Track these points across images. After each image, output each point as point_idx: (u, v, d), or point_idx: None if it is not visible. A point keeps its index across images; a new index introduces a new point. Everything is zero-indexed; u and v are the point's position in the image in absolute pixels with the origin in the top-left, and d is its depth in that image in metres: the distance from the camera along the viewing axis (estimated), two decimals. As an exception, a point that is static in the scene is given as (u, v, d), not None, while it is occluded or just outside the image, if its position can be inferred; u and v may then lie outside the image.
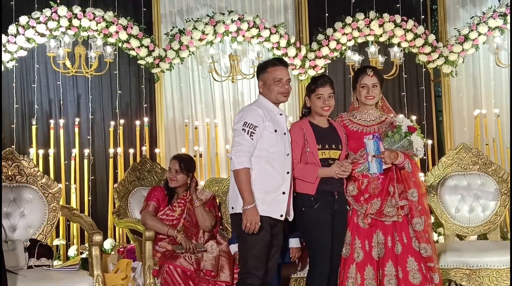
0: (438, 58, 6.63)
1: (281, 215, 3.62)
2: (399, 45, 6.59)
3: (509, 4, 6.44)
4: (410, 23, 6.56)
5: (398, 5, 6.91)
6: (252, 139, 3.58)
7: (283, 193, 3.62)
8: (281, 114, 3.73)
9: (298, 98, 6.71)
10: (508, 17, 6.38)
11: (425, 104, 7.07)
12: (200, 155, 6.31)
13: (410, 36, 6.55)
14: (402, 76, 6.98)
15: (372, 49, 6.48)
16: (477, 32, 6.49)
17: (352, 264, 3.76)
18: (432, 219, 4.70)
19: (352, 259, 3.76)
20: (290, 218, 3.77)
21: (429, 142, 6.53)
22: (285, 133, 3.71)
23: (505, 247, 4.53)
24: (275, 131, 3.64)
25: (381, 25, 6.54)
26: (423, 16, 6.97)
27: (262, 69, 3.76)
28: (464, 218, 4.88)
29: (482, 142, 6.49)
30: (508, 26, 6.43)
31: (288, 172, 3.66)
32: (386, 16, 6.55)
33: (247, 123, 3.60)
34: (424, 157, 6.42)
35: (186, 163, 4.41)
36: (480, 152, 5.06)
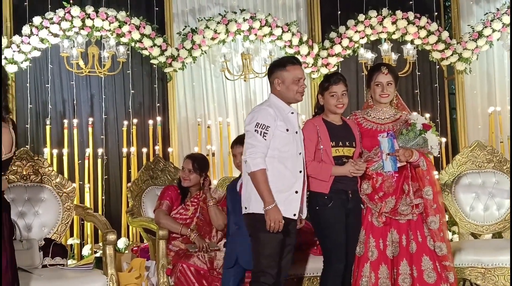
0: (451, 55, 6.59)
1: (294, 214, 3.61)
2: (412, 42, 6.56)
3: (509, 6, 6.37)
4: (423, 20, 6.53)
5: (411, 2, 6.88)
6: (265, 139, 3.56)
7: (296, 192, 3.60)
8: (292, 113, 3.71)
9: (310, 97, 6.69)
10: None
11: (438, 101, 7.02)
12: (213, 154, 6.31)
13: (423, 33, 6.52)
14: (416, 74, 6.94)
15: (385, 46, 6.45)
16: (491, 28, 6.45)
17: (366, 262, 3.74)
18: (447, 218, 4.67)
19: (366, 257, 3.74)
20: (304, 216, 3.76)
21: (443, 140, 6.49)
22: (297, 132, 3.69)
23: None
24: (287, 130, 3.62)
25: (394, 23, 6.51)
26: (436, 13, 6.92)
27: (280, 66, 3.70)
28: (478, 216, 4.85)
29: (496, 139, 6.44)
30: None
31: (300, 171, 3.64)
32: (399, 13, 6.52)
33: (259, 123, 3.57)
34: (438, 155, 6.34)
35: (199, 163, 4.41)
36: (494, 150, 5.03)
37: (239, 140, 4.03)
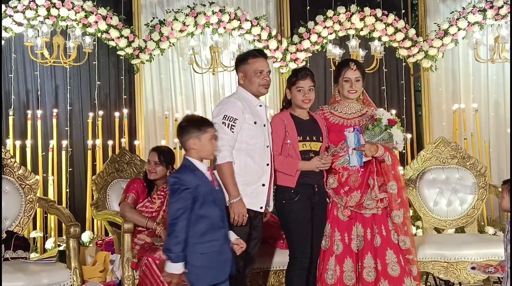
0: (418, 52, 6.67)
1: (261, 207, 3.62)
2: (379, 39, 6.61)
3: (488, 0, 6.48)
4: (391, 17, 6.58)
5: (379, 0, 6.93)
6: (232, 132, 3.55)
7: (263, 185, 3.62)
8: (260, 106, 3.72)
9: (279, 91, 6.70)
10: (488, 13, 6.43)
11: (404, 98, 7.11)
12: (180, 148, 6.26)
13: (390, 30, 6.58)
14: (383, 70, 7.00)
15: (353, 42, 6.49)
16: (456, 27, 6.54)
17: (332, 256, 3.78)
18: (411, 212, 4.73)
19: (332, 251, 3.78)
20: (270, 209, 3.78)
21: (408, 136, 6.57)
22: (264, 125, 3.70)
23: (482, 241, 4.59)
24: (255, 123, 3.62)
25: (362, 19, 6.55)
26: (403, 11, 6.99)
27: (242, 60, 3.74)
28: (442, 211, 4.93)
29: (460, 136, 6.55)
30: (487, 21, 6.49)
31: (268, 164, 3.65)
32: (367, 10, 6.56)
33: (226, 116, 3.57)
34: (403, 151, 6.47)
35: (166, 155, 4.37)
36: (458, 146, 5.12)
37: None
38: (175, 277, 3.07)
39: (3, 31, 5.77)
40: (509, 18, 6.35)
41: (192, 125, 3.23)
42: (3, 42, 5.87)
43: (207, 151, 3.25)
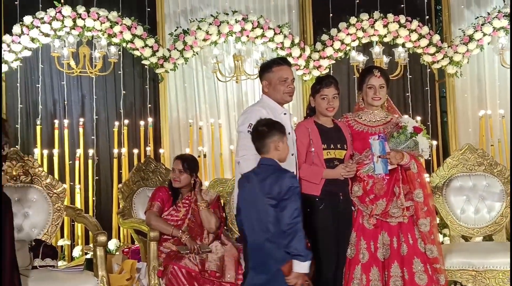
0: (442, 58, 6.61)
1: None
2: (403, 45, 6.57)
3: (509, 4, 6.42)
4: (415, 24, 6.54)
5: (402, 6, 6.89)
6: None
7: (288, 193, 3.60)
8: (285, 114, 3.73)
9: (302, 99, 6.70)
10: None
11: (429, 104, 7.04)
12: (205, 156, 6.30)
13: (414, 36, 6.53)
14: (407, 77, 6.96)
15: (377, 49, 6.46)
16: (481, 32, 6.47)
17: (357, 265, 3.75)
18: (438, 220, 4.68)
19: (358, 260, 3.76)
20: None
21: (434, 143, 6.51)
22: (289, 133, 3.70)
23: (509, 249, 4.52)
24: (280, 131, 3.62)
25: (385, 26, 6.52)
26: (427, 17, 6.94)
27: (267, 68, 3.75)
28: (469, 219, 4.87)
29: (487, 143, 6.46)
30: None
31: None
32: (390, 16, 6.53)
33: (252, 125, 3.56)
34: (429, 158, 6.40)
35: (189, 163, 4.40)
36: (485, 153, 5.06)
37: None
38: (301, 277, 3.11)
39: (30, 42, 5.86)
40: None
41: (275, 128, 3.30)
42: (30, 53, 5.96)
43: (286, 154, 3.35)
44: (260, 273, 3.20)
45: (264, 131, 3.29)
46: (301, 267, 3.10)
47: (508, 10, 6.40)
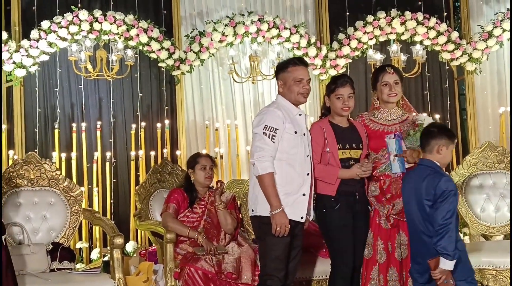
0: (461, 55, 6.53)
1: (302, 217, 3.59)
2: (421, 43, 6.50)
3: None
4: (433, 21, 6.47)
5: (420, 3, 6.83)
6: (273, 142, 3.53)
7: (303, 195, 3.58)
8: (300, 115, 3.69)
9: (318, 98, 6.66)
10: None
11: (448, 102, 6.97)
12: (221, 157, 6.30)
13: (432, 33, 6.46)
14: (425, 74, 6.89)
15: (394, 47, 6.40)
16: (501, 28, 6.39)
17: (375, 265, 3.71)
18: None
19: (375, 260, 3.71)
20: (311, 218, 3.75)
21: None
22: (304, 134, 3.67)
23: (507, 248, 4.43)
24: (295, 132, 3.60)
25: (402, 23, 6.46)
26: (445, 13, 6.87)
27: (283, 68, 3.72)
28: (489, 217, 4.80)
29: (507, 140, 6.36)
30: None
31: (308, 174, 3.62)
32: (407, 14, 6.47)
33: (267, 126, 3.55)
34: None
35: (213, 158, 4.52)
36: (505, 150, 4.98)
37: None
38: (446, 273, 3.31)
39: (48, 47, 5.91)
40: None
41: (445, 132, 3.50)
42: (47, 57, 6.01)
43: (448, 160, 3.55)
44: (416, 262, 3.52)
45: (433, 132, 3.49)
46: (447, 264, 3.30)
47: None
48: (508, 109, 6.50)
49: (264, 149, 3.51)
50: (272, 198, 3.49)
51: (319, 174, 3.69)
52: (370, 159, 3.80)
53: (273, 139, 3.53)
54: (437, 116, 6.51)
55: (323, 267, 4.17)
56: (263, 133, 3.54)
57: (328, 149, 3.70)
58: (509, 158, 4.89)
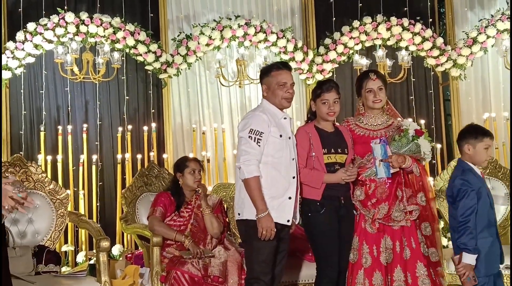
0: (446, 61, 6.60)
1: (288, 220, 3.61)
2: (407, 48, 6.56)
3: None
4: (418, 27, 6.53)
5: (405, 8, 6.89)
6: (259, 146, 3.55)
7: (289, 198, 3.60)
8: (285, 118, 3.71)
9: (305, 103, 6.69)
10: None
11: (433, 107, 7.03)
12: (208, 160, 6.30)
13: (418, 39, 6.52)
14: (410, 80, 6.95)
15: (380, 52, 6.45)
16: (485, 35, 6.46)
17: (360, 269, 3.73)
18: (442, 224, 4.66)
19: (360, 264, 3.74)
20: (297, 221, 3.76)
21: (438, 146, 6.49)
22: (290, 138, 3.69)
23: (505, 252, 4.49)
24: (280, 136, 3.62)
25: (388, 29, 6.52)
26: (431, 19, 6.94)
27: (266, 73, 3.74)
28: (473, 222, 4.82)
29: (507, 145, 6.42)
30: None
31: (294, 177, 3.64)
32: (393, 19, 6.53)
33: (253, 130, 3.56)
34: (434, 161, 6.39)
35: (200, 162, 4.54)
36: (489, 156, 5.01)
37: None
38: (469, 268, 3.49)
39: (34, 49, 5.88)
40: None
41: (470, 132, 3.73)
42: (33, 59, 5.98)
43: (480, 158, 3.68)
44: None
45: (460, 133, 3.81)
46: (469, 258, 3.48)
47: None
48: (494, 115, 6.58)
49: (250, 152, 3.53)
50: (258, 201, 3.50)
51: (304, 178, 3.71)
52: (355, 163, 3.83)
53: (259, 142, 3.55)
54: (422, 121, 6.57)
55: (309, 271, 4.20)
56: (249, 136, 3.56)
57: (313, 154, 3.72)
58: (493, 164, 4.94)
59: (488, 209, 3.60)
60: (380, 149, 3.67)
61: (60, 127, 6.16)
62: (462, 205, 3.51)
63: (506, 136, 6.48)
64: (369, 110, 3.94)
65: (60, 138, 6.11)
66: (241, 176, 3.54)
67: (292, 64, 6.37)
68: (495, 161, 5.01)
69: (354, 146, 3.86)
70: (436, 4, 7.13)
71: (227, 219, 4.63)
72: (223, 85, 6.49)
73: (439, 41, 6.59)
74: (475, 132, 3.73)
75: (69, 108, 6.36)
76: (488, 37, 6.45)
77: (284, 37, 6.44)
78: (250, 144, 3.54)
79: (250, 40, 6.40)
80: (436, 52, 6.57)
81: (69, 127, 6.17)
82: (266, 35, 6.39)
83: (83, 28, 5.94)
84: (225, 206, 4.81)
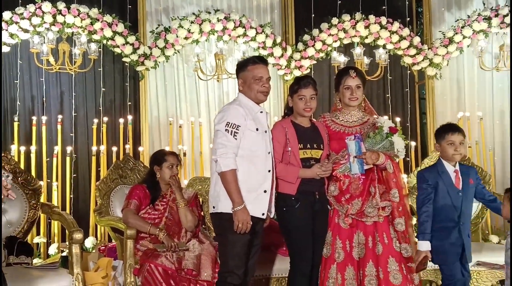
0: (422, 60, 6.67)
1: (263, 214, 3.61)
2: (384, 47, 6.62)
3: (494, 8, 6.50)
4: (396, 25, 6.59)
5: (384, 7, 6.94)
6: (235, 139, 3.55)
7: (265, 191, 3.61)
8: (261, 112, 3.71)
9: (282, 98, 6.71)
10: (493, 21, 6.43)
11: (409, 106, 7.10)
12: (184, 154, 6.29)
13: (395, 38, 6.58)
14: (387, 78, 7.01)
15: (358, 50, 6.50)
16: (461, 35, 6.54)
17: (333, 264, 3.76)
18: (414, 220, 4.70)
19: (333, 259, 3.76)
20: (272, 215, 3.77)
21: (413, 143, 6.56)
22: (266, 131, 3.69)
23: (486, 249, 4.57)
24: (257, 129, 3.62)
25: (366, 27, 6.56)
26: (408, 19, 7.00)
27: (242, 67, 3.73)
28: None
29: (465, 144, 6.51)
30: (492, 29, 6.49)
31: (269, 170, 3.65)
32: (372, 17, 6.57)
33: (229, 123, 3.56)
34: (408, 159, 6.46)
35: (178, 156, 4.51)
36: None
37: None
38: (420, 254, 3.79)
39: (9, 38, 5.80)
40: (509, 28, 6.36)
41: (436, 132, 4.02)
42: (8, 49, 5.89)
43: (447, 154, 3.93)
44: None
45: (435, 134, 4.07)
46: (420, 245, 3.80)
47: (488, 13, 6.46)
48: (468, 114, 6.66)
49: (226, 146, 3.53)
50: (234, 194, 3.50)
51: (280, 173, 3.72)
52: (330, 159, 3.85)
53: (235, 135, 3.54)
54: (398, 119, 6.63)
55: (282, 265, 4.21)
56: (225, 130, 3.55)
57: (289, 149, 3.74)
58: (466, 162, 5.00)
59: (448, 206, 3.84)
60: (354, 145, 3.70)
61: (34, 118, 6.10)
62: (417, 197, 3.91)
63: (480, 135, 6.58)
64: (345, 106, 3.97)
65: (34, 128, 6.04)
66: (218, 169, 3.54)
67: (271, 60, 6.39)
68: (468, 159, 5.07)
69: (329, 142, 3.89)
70: (414, 3, 7.20)
71: (202, 213, 4.62)
72: (201, 79, 6.47)
73: (416, 40, 6.66)
74: (439, 131, 4.00)
75: (44, 99, 6.29)
76: (464, 37, 6.54)
77: (263, 33, 6.44)
78: (227, 137, 3.54)
79: (229, 35, 6.39)
80: (413, 51, 6.64)
81: (44, 118, 6.10)
82: (245, 30, 6.39)
83: (60, 18, 5.88)
84: (201, 199, 4.80)
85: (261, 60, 3.75)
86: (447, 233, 3.85)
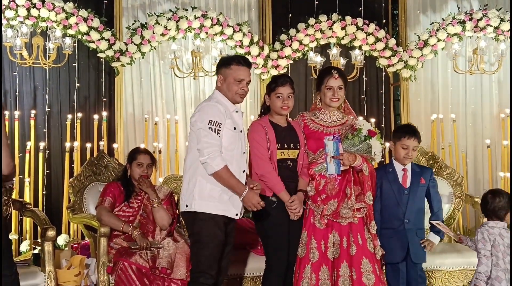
0: (398, 62, 6.73)
1: (236, 214, 3.60)
2: (360, 48, 6.66)
3: (468, 12, 6.60)
4: (372, 27, 6.64)
5: (360, 9, 6.98)
6: (219, 136, 3.49)
7: (239, 192, 3.60)
8: (237, 111, 3.68)
9: (259, 98, 6.70)
10: (467, 25, 6.52)
11: (384, 107, 7.15)
12: (160, 152, 6.25)
13: (371, 39, 6.63)
14: (363, 79, 7.05)
15: (334, 51, 6.53)
16: (436, 38, 6.61)
17: (308, 264, 3.78)
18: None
19: (308, 259, 3.78)
20: (241, 215, 3.76)
21: (387, 144, 6.61)
22: (241, 131, 3.68)
23: (458, 250, 4.63)
24: (234, 128, 3.60)
25: (343, 28, 6.60)
26: (384, 21, 7.05)
27: (225, 64, 3.66)
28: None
29: (438, 146, 6.61)
30: (466, 33, 6.59)
31: (244, 171, 3.63)
32: (348, 19, 6.61)
33: (212, 121, 3.49)
34: (382, 160, 6.50)
35: (153, 157, 4.46)
36: (435, 156, 5.16)
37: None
38: None
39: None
40: (509, 33, 6.49)
41: (395, 130, 4.23)
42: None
43: (398, 155, 4.10)
44: None
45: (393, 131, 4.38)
46: None
47: (462, 17, 6.56)
48: (441, 116, 6.75)
49: (212, 144, 3.46)
50: (237, 187, 3.49)
51: (269, 180, 3.72)
52: (308, 159, 3.87)
53: (219, 133, 3.49)
54: (373, 120, 6.68)
55: (255, 264, 4.23)
56: (209, 128, 3.48)
57: (269, 149, 3.74)
58: (439, 164, 5.07)
59: (393, 204, 4.02)
60: (332, 146, 3.73)
61: (7, 113, 5.98)
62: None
63: (452, 137, 6.67)
64: (325, 106, 3.98)
65: (6, 123, 5.92)
66: (210, 171, 3.47)
67: (249, 61, 6.37)
68: (441, 160, 5.13)
69: (307, 140, 3.90)
70: (390, 6, 7.25)
71: (177, 211, 4.59)
72: (177, 76, 6.43)
73: (392, 42, 6.72)
74: (397, 130, 4.16)
75: (16, 93, 6.18)
76: (438, 40, 6.62)
77: (240, 31, 6.43)
78: (212, 136, 3.47)
79: (206, 32, 6.37)
80: (388, 53, 6.69)
81: (16, 113, 6.01)
82: (223, 28, 6.37)
83: (34, 12, 5.79)
84: (176, 198, 4.77)
85: (245, 62, 3.67)
86: (392, 231, 3.98)
